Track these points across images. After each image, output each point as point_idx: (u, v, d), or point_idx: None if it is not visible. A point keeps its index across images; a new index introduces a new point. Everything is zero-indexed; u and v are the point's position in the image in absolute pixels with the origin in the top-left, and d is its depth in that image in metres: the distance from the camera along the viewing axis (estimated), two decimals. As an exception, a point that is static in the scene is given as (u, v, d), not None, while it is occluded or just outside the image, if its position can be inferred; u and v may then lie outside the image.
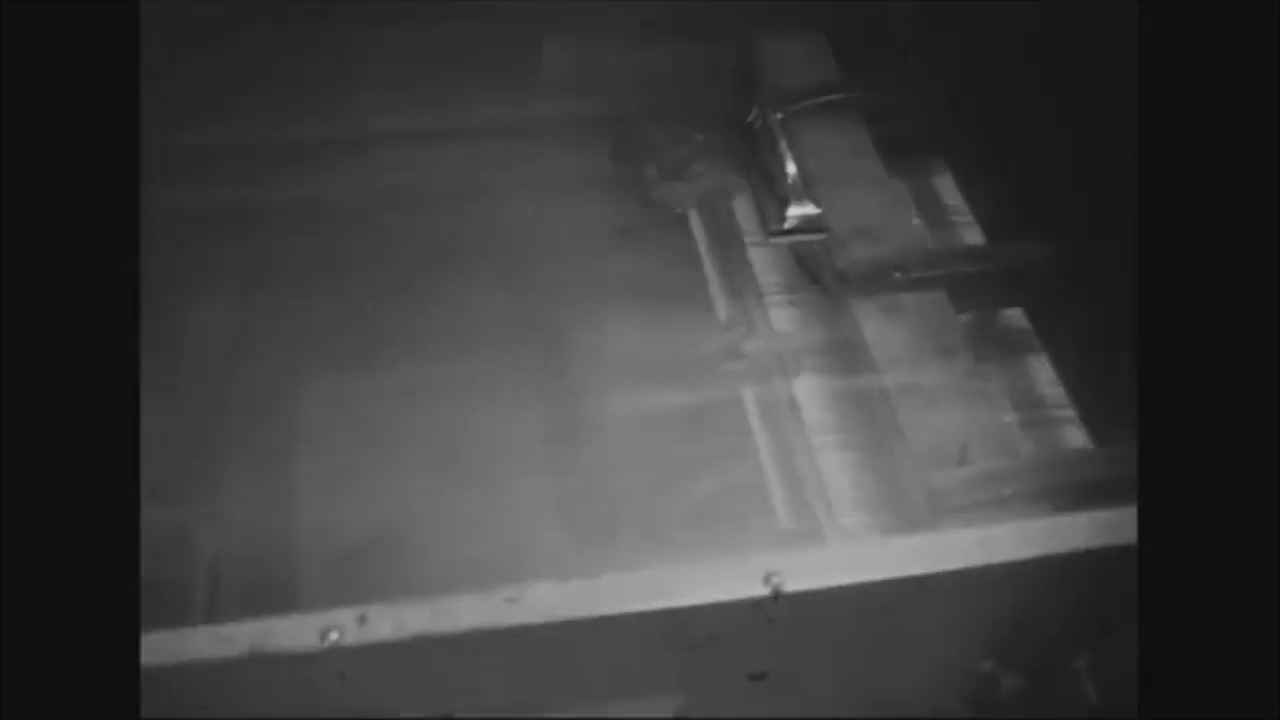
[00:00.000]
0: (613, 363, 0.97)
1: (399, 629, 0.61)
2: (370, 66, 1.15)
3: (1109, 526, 0.65)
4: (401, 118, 1.12)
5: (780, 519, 0.87)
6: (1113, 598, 0.66)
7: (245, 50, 1.12)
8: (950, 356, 0.91)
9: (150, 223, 1.04)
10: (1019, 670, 0.72)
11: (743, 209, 1.08)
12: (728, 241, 1.05)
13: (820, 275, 0.97)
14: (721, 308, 1.00)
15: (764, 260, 1.04)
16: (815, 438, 0.91)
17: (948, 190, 1.09)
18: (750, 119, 1.07)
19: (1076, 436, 0.91)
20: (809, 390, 0.94)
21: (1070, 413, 0.92)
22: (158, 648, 0.61)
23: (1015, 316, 0.98)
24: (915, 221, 1.04)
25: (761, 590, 0.63)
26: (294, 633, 0.61)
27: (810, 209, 0.99)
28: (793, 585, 0.63)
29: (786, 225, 0.99)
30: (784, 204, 0.99)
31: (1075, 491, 0.82)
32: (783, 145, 1.01)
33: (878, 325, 0.92)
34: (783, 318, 0.99)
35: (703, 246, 1.06)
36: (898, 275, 0.94)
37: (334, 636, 0.61)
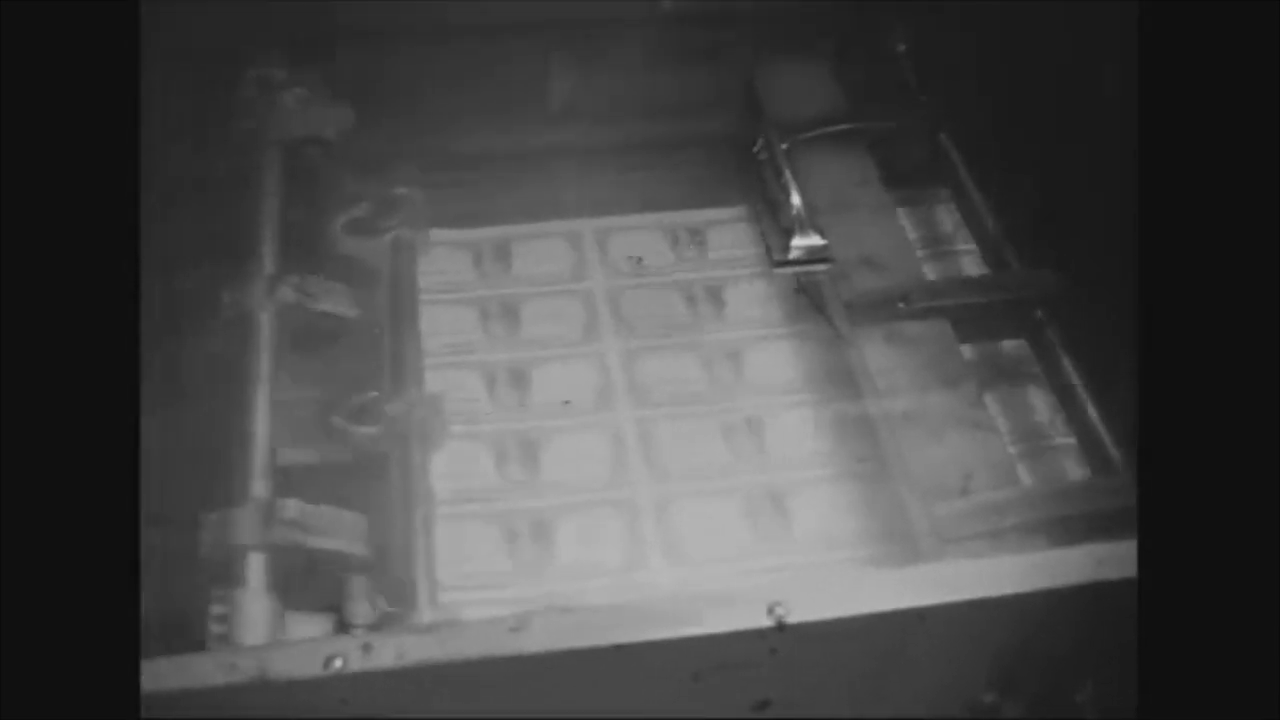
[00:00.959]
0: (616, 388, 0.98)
1: (401, 657, 0.62)
2: (378, 91, 1.15)
3: (1111, 559, 0.65)
4: (411, 143, 1.13)
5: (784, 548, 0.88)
6: (1114, 630, 0.66)
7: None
8: (954, 386, 0.91)
9: (152, 250, 1.06)
10: (1020, 701, 0.72)
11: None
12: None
13: (824, 305, 0.98)
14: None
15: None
16: (818, 468, 0.91)
17: (951, 220, 1.09)
18: (756, 149, 1.08)
19: (1079, 468, 0.92)
20: (811, 419, 0.94)
21: (1073, 444, 0.92)
22: (163, 673, 0.61)
23: (1019, 347, 0.99)
24: (919, 252, 1.04)
25: (765, 621, 0.63)
26: (298, 660, 0.61)
27: (815, 239, 0.99)
28: (796, 616, 0.63)
29: (791, 255, 1.00)
30: (789, 234, 1.00)
31: (1078, 523, 0.82)
32: (787, 175, 1.02)
33: (882, 355, 0.93)
34: (784, 348, 0.99)
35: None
36: (901, 305, 0.95)
37: (338, 664, 0.61)
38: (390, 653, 0.61)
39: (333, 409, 0.91)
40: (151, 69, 0.87)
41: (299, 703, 0.62)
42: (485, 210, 1.11)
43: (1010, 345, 0.99)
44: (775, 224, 1.03)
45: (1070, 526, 0.82)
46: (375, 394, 0.92)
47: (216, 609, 0.78)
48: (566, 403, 0.96)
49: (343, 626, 0.78)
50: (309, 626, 0.79)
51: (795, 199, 1.00)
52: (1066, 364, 0.93)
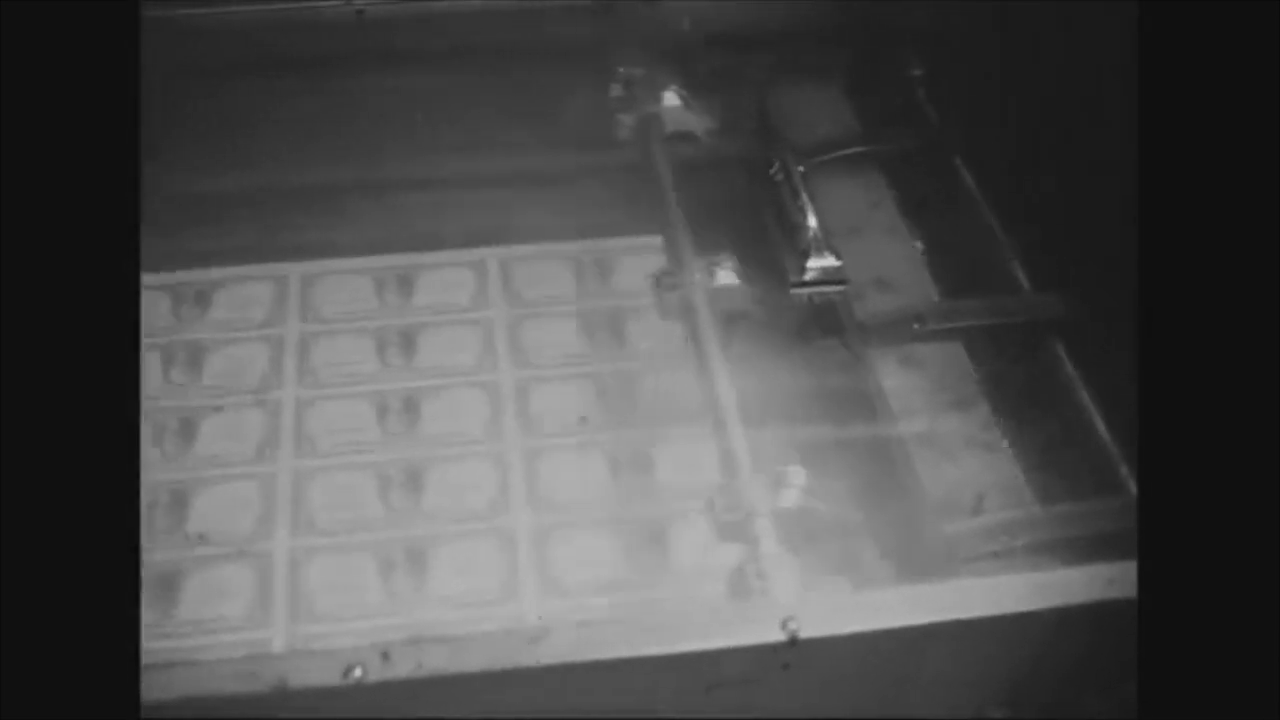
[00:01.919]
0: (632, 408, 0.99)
1: (420, 667, 0.62)
2: (397, 113, 1.16)
3: (1121, 578, 0.66)
4: (429, 164, 1.14)
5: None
6: (1123, 648, 0.66)
7: (268, 95, 1.14)
8: (967, 408, 0.92)
9: (172, 262, 1.07)
10: (1030, 717, 0.73)
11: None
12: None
13: (839, 326, 0.98)
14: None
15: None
16: (831, 487, 0.92)
17: (965, 243, 1.10)
18: (772, 171, 1.09)
19: (1090, 489, 0.92)
20: (826, 439, 0.95)
21: (1084, 465, 0.93)
22: (184, 681, 0.62)
23: (1031, 368, 0.99)
24: (931, 274, 1.05)
25: (778, 635, 0.64)
26: (318, 669, 0.62)
27: (830, 261, 1.00)
28: (809, 631, 0.64)
29: (807, 277, 1.00)
30: (805, 256, 1.01)
31: (1088, 543, 0.83)
32: (804, 197, 1.03)
33: (896, 376, 0.94)
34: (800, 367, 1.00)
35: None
36: (916, 327, 0.96)
37: (357, 673, 0.62)
38: (409, 663, 0.62)
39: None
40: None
41: (319, 712, 0.63)
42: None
43: (1022, 367, 0.99)
44: (791, 246, 1.03)
45: (1080, 546, 0.82)
46: None
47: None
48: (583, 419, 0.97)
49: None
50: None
51: (811, 220, 1.01)
52: (1077, 385, 0.94)
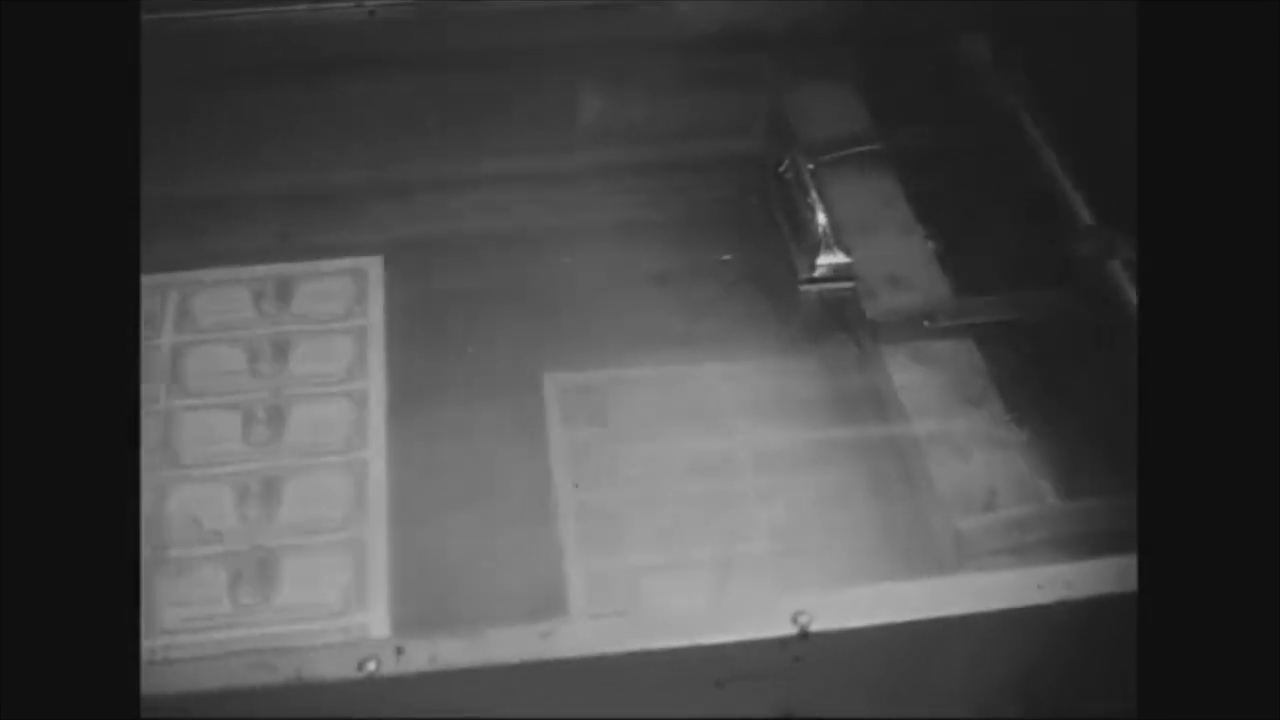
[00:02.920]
0: (645, 406, 0.99)
1: (434, 661, 0.63)
2: (411, 113, 1.17)
3: (1132, 572, 0.66)
4: (438, 165, 1.14)
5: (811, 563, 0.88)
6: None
7: (291, 95, 1.14)
8: (978, 405, 0.92)
9: (187, 265, 1.07)
10: (1043, 713, 0.73)
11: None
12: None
13: (850, 323, 0.99)
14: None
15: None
16: (842, 483, 0.92)
17: (977, 240, 1.10)
18: (782, 168, 1.09)
19: (1102, 486, 0.92)
20: (837, 437, 0.95)
21: (1097, 462, 0.93)
22: (201, 674, 0.63)
23: (1043, 365, 0.99)
24: (943, 271, 1.05)
25: (789, 629, 0.64)
26: (333, 662, 0.63)
27: (840, 258, 1.00)
28: (820, 625, 0.64)
29: (817, 274, 1.01)
30: (814, 252, 1.01)
31: (1099, 539, 0.83)
32: (814, 194, 1.03)
33: (907, 373, 0.94)
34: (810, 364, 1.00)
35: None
36: (927, 324, 0.96)
37: (371, 666, 0.62)
38: (423, 657, 0.63)
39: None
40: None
41: (333, 705, 0.64)
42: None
43: (1034, 363, 0.99)
44: (801, 243, 1.04)
45: (1093, 542, 0.82)
46: None
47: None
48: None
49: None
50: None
51: (821, 217, 1.01)
52: (1089, 381, 0.94)
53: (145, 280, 1.04)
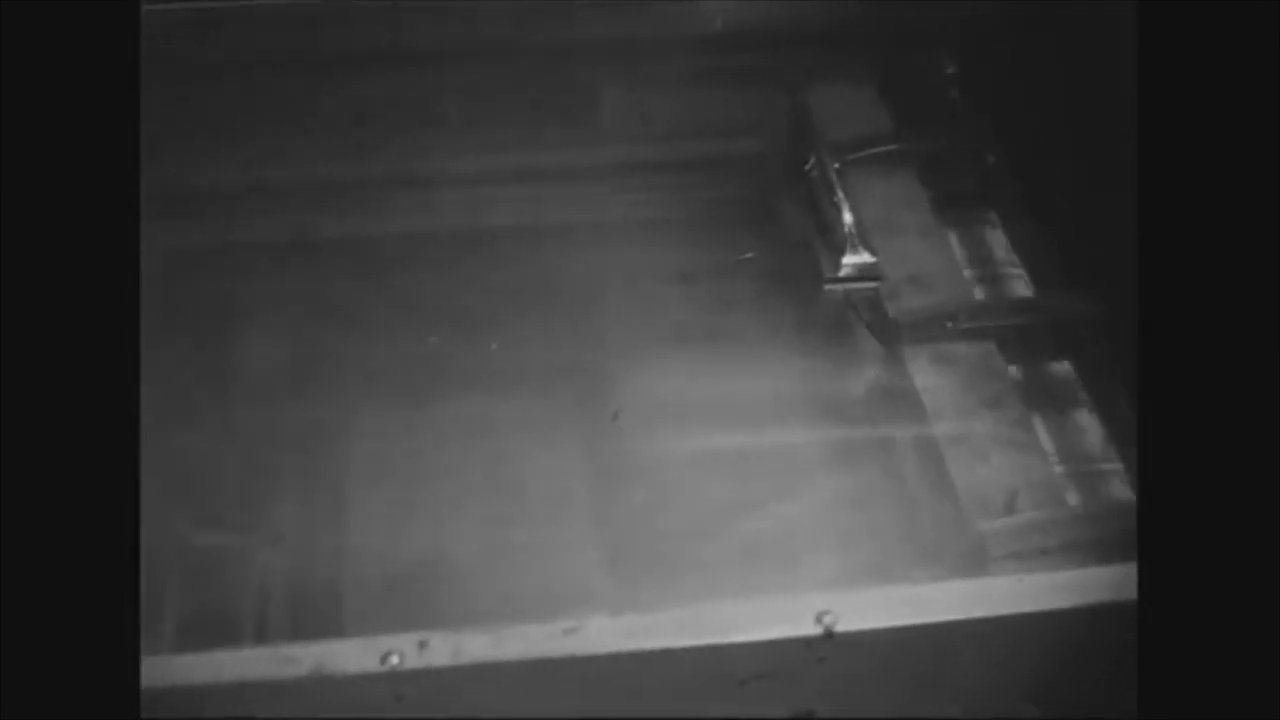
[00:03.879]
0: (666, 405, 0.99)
1: (458, 655, 0.63)
2: (432, 108, 1.17)
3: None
4: (463, 159, 1.14)
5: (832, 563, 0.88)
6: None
7: (312, 87, 1.14)
8: (999, 407, 0.91)
9: (207, 255, 1.07)
10: (1062, 715, 0.73)
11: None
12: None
13: (872, 323, 0.98)
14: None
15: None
16: (863, 483, 0.92)
17: (999, 241, 1.10)
18: (808, 167, 1.09)
19: (1123, 489, 0.92)
20: (857, 437, 0.95)
21: (1117, 465, 0.93)
22: (222, 666, 0.63)
23: (1064, 368, 0.99)
24: (966, 272, 1.05)
25: (814, 629, 0.64)
26: (355, 655, 0.62)
27: (865, 257, 1.00)
28: (844, 625, 0.64)
29: (841, 273, 1.00)
30: (839, 252, 1.01)
31: (1121, 543, 0.83)
32: (839, 194, 1.03)
33: (928, 374, 0.93)
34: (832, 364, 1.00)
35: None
36: (949, 325, 0.95)
37: (394, 660, 0.62)
38: (447, 651, 0.62)
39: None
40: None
41: (354, 698, 0.64)
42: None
43: (1057, 367, 0.99)
44: (826, 242, 1.04)
45: (1114, 546, 0.82)
46: None
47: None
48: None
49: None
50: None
51: (847, 217, 1.01)
52: (1113, 386, 0.94)
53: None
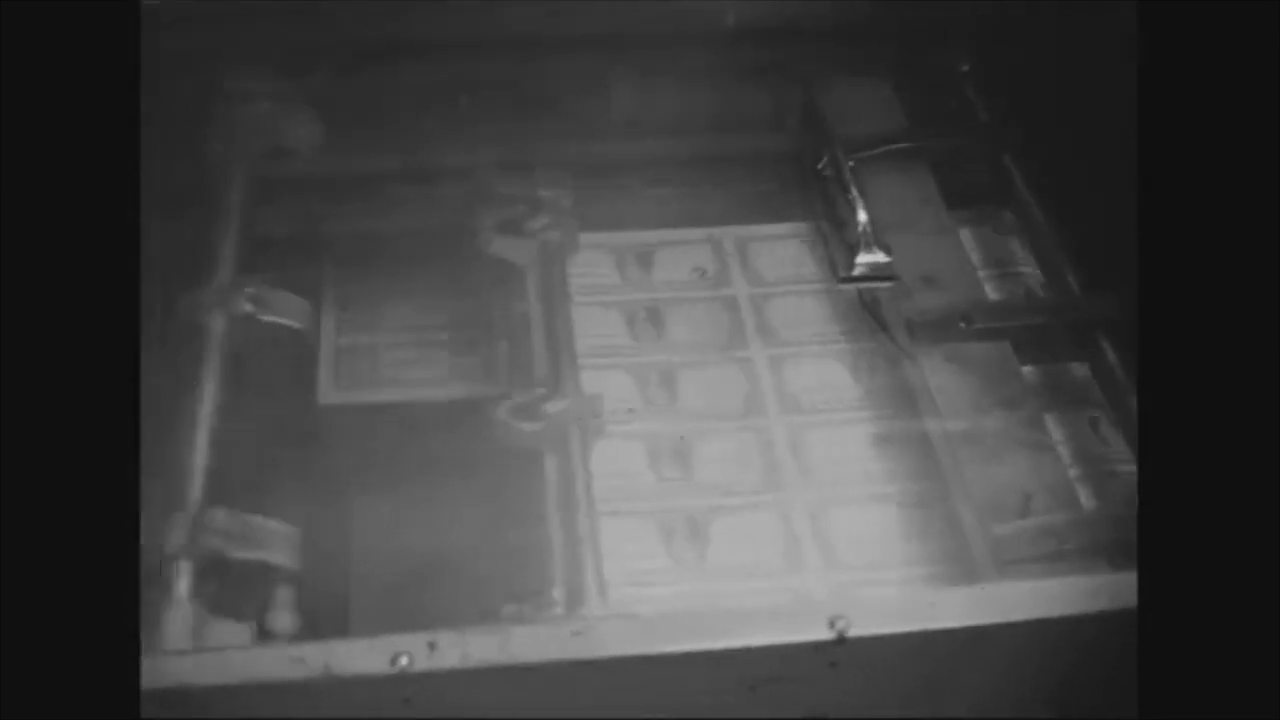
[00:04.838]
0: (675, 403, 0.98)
1: (467, 657, 0.62)
2: (440, 101, 1.16)
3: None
4: (472, 153, 1.14)
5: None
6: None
7: (317, 83, 1.14)
8: (1013, 408, 0.91)
9: (210, 249, 1.07)
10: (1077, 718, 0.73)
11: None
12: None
13: (886, 323, 0.98)
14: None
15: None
16: (876, 486, 0.92)
17: (1013, 241, 1.09)
18: (821, 165, 1.08)
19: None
20: (871, 438, 0.95)
21: (1132, 468, 0.92)
22: (230, 666, 0.62)
23: (1079, 369, 0.98)
24: (980, 272, 1.04)
25: (826, 633, 0.64)
26: (365, 656, 0.62)
27: (879, 256, 1.00)
28: (857, 630, 0.64)
29: (855, 272, 1.00)
30: (853, 251, 1.00)
31: (1134, 548, 0.82)
32: (854, 192, 1.02)
33: (942, 374, 0.93)
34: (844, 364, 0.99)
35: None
36: (963, 325, 0.95)
37: (404, 661, 0.62)
38: (455, 653, 0.62)
39: (493, 405, 0.91)
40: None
41: (363, 700, 0.63)
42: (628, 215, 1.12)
43: (1072, 367, 0.99)
44: (840, 240, 1.03)
45: (1129, 550, 0.82)
46: (541, 391, 0.92)
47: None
48: None
49: (264, 635, 0.79)
50: (230, 634, 0.79)
51: (861, 215, 1.00)
52: (1127, 386, 0.93)
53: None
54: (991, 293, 1.03)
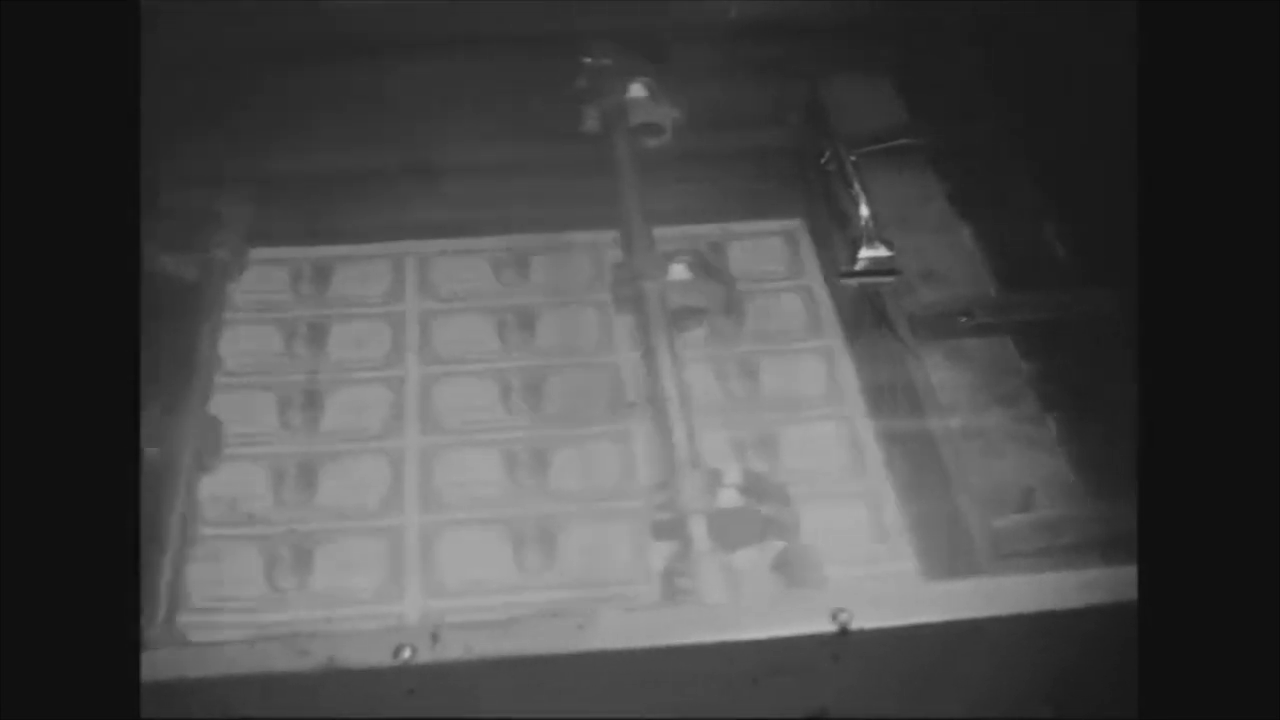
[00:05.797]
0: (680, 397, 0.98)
1: (469, 649, 0.62)
2: (447, 97, 1.16)
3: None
4: (478, 150, 1.14)
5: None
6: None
7: (322, 79, 1.14)
8: (1014, 403, 0.91)
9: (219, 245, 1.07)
10: (1077, 715, 0.73)
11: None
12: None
13: (888, 318, 0.98)
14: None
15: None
16: (876, 478, 0.92)
17: (1015, 237, 1.09)
18: (824, 160, 1.08)
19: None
20: (871, 432, 0.95)
21: (1132, 464, 0.92)
22: (237, 658, 0.62)
23: (1079, 365, 0.98)
24: (981, 268, 1.04)
25: (829, 626, 0.64)
26: (369, 648, 0.62)
27: (881, 251, 1.00)
28: (859, 623, 0.64)
29: (857, 267, 1.00)
30: (856, 245, 1.00)
31: (1134, 542, 0.82)
32: (856, 187, 1.02)
33: (943, 369, 0.93)
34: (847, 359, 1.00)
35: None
36: (964, 320, 0.95)
37: (406, 654, 0.62)
38: (459, 645, 0.62)
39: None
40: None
41: (366, 691, 0.63)
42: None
43: (1073, 363, 0.99)
44: (842, 235, 1.03)
45: (1129, 544, 0.82)
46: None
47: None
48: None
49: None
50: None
51: (864, 210, 1.01)
52: (1127, 381, 0.93)
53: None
54: (992, 289, 1.03)
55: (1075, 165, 1.07)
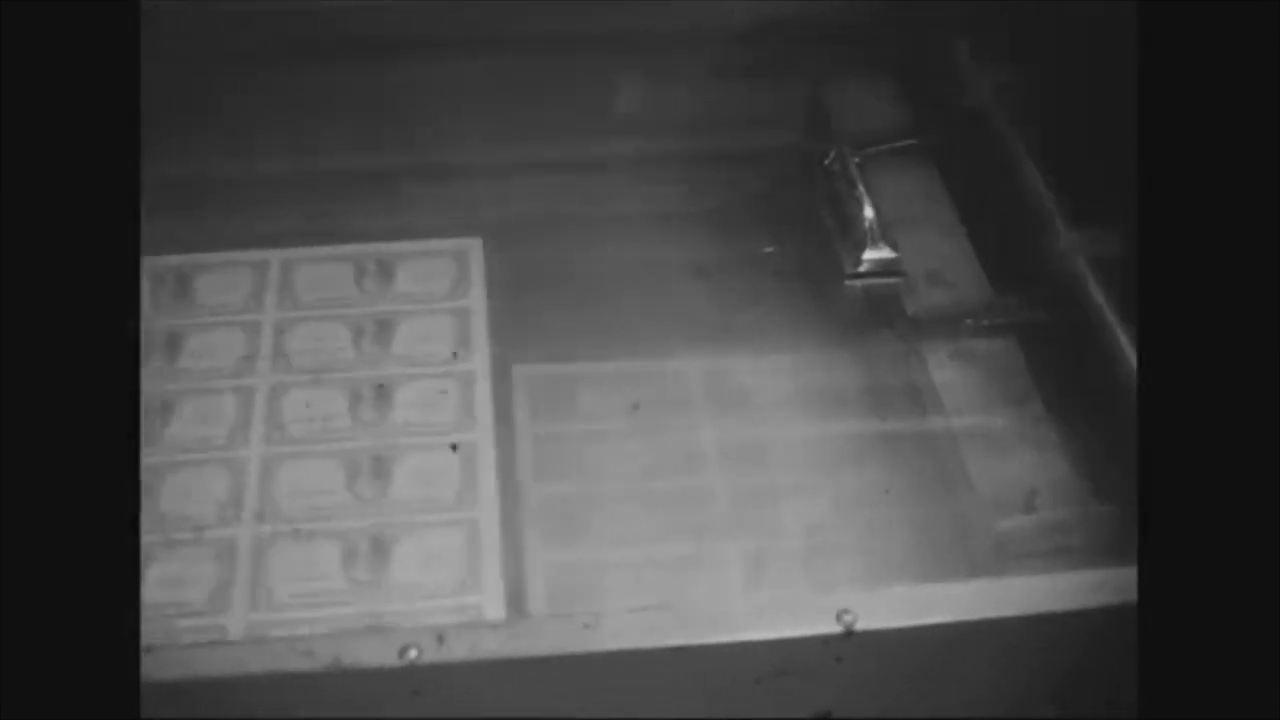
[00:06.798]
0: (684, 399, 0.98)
1: (475, 650, 0.62)
2: (446, 99, 1.16)
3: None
4: (481, 151, 1.14)
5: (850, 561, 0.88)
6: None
7: (328, 80, 1.14)
8: (1019, 404, 0.91)
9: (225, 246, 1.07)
10: (1082, 715, 0.73)
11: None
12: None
13: (892, 319, 0.98)
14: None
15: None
16: (880, 480, 0.92)
17: (1021, 238, 1.09)
18: (828, 161, 1.08)
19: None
20: (876, 433, 0.95)
21: (1137, 465, 0.92)
22: (243, 658, 0.62)
23: (1086, 365, 0.98)
24: (986, 269, 1.04)
25: (834, 627, 0.64)
26: (374, 648, 0.62)
27: (886, 252, 1.00)
28: (864, 624, 0.64)
29: (862, 268, 1.00)
30: (860, 247, 1.00)
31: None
32: (861, 188, 1.02)
33: (947, 371, 0.93)
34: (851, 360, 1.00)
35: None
36: (969, 322, 0.95)
37: (412, 654, 0.62)
38: (464, 646, 0.62)
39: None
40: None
41: (372, 693, 0.63)
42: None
43: (1076, 363, 0.99)
44: (846, 236, 1.03)
45: (1135, 545, 0.82)
46: None
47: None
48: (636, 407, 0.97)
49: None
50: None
51: (868, 211, 1.01)
52: (1132, 382, 0.93)
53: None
54: (996, 290, 1.03)
55: (1082, 166, 1.07)
